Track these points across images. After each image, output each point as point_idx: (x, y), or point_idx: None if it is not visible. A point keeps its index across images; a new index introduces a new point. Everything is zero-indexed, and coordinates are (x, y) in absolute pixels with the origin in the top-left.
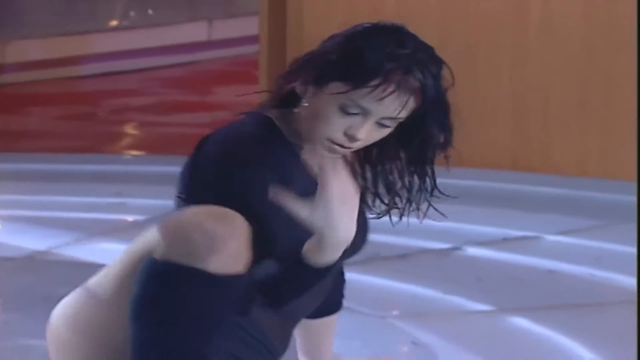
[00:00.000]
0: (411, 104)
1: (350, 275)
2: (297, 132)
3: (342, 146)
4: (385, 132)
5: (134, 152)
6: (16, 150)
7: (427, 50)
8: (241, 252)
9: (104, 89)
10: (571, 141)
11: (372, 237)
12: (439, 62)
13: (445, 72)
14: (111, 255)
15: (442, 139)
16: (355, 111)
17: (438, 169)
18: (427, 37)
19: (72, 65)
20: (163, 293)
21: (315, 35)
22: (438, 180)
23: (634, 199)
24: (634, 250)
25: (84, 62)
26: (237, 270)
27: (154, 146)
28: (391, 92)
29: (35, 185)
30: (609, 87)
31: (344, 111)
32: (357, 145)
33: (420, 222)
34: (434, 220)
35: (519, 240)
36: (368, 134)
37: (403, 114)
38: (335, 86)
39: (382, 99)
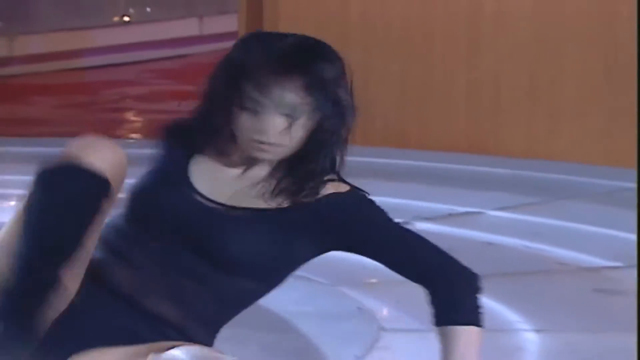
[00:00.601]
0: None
1: None
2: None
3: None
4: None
5: (131, 136)
6: (22, 135)
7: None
8: (106, 165)
9: (103, 80)
10: (520, 125)
11: None
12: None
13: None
14: None
15: (338, 122)
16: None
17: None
18: (391, 32)
19: (74, 58)
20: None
21: (288, 26)
22: (397, 162)
23: (574, 178)
24: (567, 224)
25: (85, 55)
26: (102, 174)
27: (149, 131)
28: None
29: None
30: (555, 75)
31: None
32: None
33: None
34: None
35: (462, 215)
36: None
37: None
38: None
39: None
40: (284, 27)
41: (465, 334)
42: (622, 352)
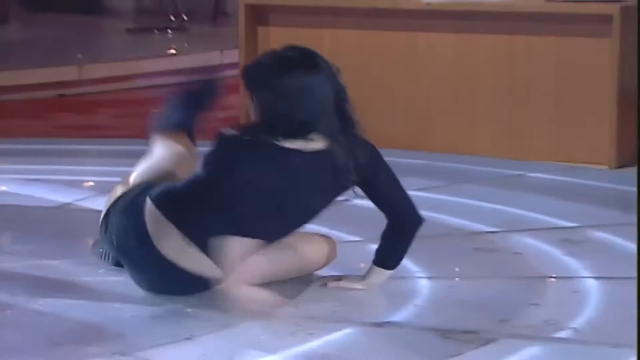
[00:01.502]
0: None
1: None
2: None
3: None
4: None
5: None
6: (90, 137)
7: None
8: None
9: (150, 97)
10: (445, 128)
11: None
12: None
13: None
14: None
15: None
16: None
17: None
18: (351, 60)
19: (129, 80)
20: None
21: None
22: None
23: (475, 167)
24: (463, 200)
25: (138, 78)
26: None
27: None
28: None
29: (102, 160)
30: (472, 91)
31: None
32: None
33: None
34: None
35: None
36: None
37: None
38: None
39: None
40: None
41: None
42: (490, 292)
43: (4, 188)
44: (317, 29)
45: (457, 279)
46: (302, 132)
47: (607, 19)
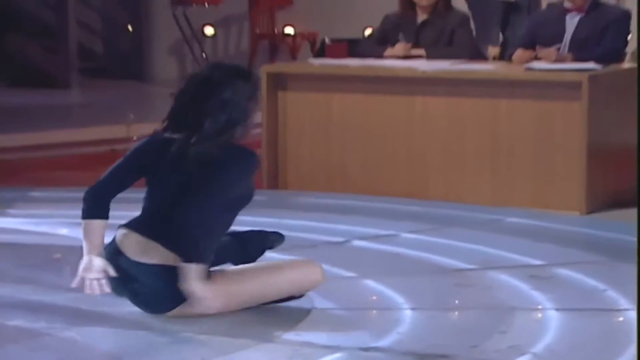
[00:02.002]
0: None
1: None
2: None
3: None
4: None
5: None
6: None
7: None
8: None
9: None
10: (439, 176)
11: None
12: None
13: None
14: None
15: None
16: None
17: None
18: (362, 126)
19: None
20: None
21: (294, 123)
22: (360, 202)
23: (461, 212)
24: (450, 242)
25: None
26: None
27: None
28: None
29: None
30: (461, 146)
31: None
32: None
33: None
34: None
35: (384, 236)
36: None
37: None
38: None
39: None
40: (291, 122)
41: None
42: (464, 321)
43: (56, 230)
44: (328, 94)
45: (436, 310)
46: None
47: (577, 85)
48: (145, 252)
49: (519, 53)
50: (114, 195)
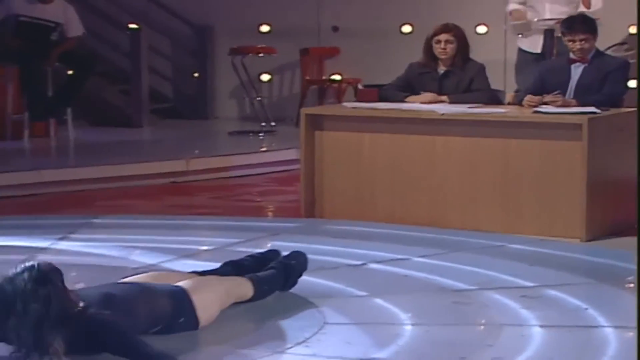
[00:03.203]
0: None
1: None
2: None
3: None
4: None
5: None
6: (188, 214)
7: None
8: None
9: (241, 184)
10: (455, 205)
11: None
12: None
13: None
14: None
15: None
16: None
17: None
18: (385, 158)
19: (226, 171)
20: None
21: (329, 159)
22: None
23: (466, 239)
24: (455, 265)
25: (233, 169)
26: None
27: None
28: None
29: (195, 232)
30: (477, 178)
31: None
32: None
33: None
34: None
35: (396, 260)
36: None
37: None
38: None
39: None
40: (327, 157)
41: None
42: (457, 335)
43: (110, 252)
44: (359, 133)
45: (434, 325)
46: None
47: (578, 127)
48: None
49: (529, 98)
50: None
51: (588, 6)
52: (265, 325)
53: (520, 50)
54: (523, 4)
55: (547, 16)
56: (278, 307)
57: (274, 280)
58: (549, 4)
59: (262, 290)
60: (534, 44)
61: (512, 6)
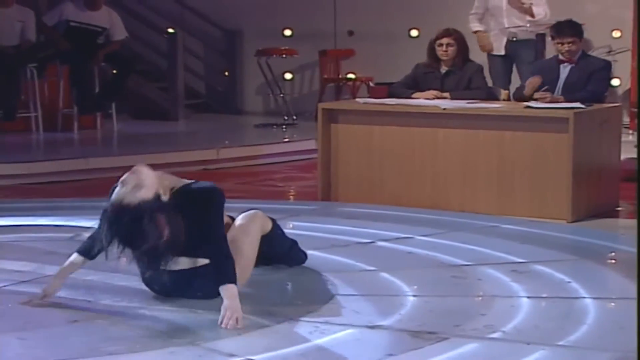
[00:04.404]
0: None
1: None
2: None
3: None
4: None
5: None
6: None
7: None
8: None
9: (267, 170)
10: (455, 192)
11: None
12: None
13: None
14: None
15: None
16: None
17: None
18: (393, 149)
19: (252, 159)
20: None
21: (343, 149)
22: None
23: (465, 220)
24: (454, 243)
25: (258, 158)
26: None
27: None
28: None
29: None
30: (474, 167)
31: None
32: None
33: None
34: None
35: (402, 238)
36: None
37: None
38: None
39: None
40: (342, 149)
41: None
42: (453, 305)
43: None
44: (370, 126)
45: (433, 296)
46: None
47: (565, 120)
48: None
49: (530, 79)
50: None
51: (533, 15)
52: (281, 296)
53: (489, 55)
54: (483, 15)
55: (506, 25)
56: (294, 280)
57: (285, 238)
58: (507, 17)
59: (277, 233)
60: (498, 48)
61: (474, 26)
